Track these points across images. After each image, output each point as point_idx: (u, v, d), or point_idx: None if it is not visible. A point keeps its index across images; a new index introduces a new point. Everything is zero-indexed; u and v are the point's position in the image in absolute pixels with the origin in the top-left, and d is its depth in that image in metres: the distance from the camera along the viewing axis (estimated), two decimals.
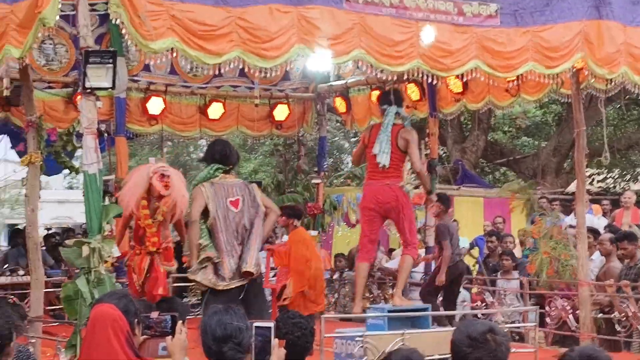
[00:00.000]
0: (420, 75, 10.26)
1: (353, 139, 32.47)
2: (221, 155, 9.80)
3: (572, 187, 24.17)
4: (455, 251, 12.86)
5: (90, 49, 8.19)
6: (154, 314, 5.41)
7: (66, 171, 13.78)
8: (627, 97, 19.34)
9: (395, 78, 10.99)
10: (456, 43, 9.91)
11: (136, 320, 5.22)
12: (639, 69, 10.99)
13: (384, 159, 10.92)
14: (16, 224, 33.79)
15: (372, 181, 11.18)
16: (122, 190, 10.90)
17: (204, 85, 15.10)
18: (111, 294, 5.39)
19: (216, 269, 9.51)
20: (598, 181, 27.42)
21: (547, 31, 10.39)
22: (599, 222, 16.93)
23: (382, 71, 10.09)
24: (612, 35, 10.64)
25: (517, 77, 11.23)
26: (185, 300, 13.26)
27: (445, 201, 13.01)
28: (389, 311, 10.61)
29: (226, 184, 9.64)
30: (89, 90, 8.21)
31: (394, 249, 16.88)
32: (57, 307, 13.31)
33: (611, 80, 11.06)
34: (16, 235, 17.97)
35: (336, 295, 15.56)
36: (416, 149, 11.08)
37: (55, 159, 10.32)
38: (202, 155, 38.01)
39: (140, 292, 11.27)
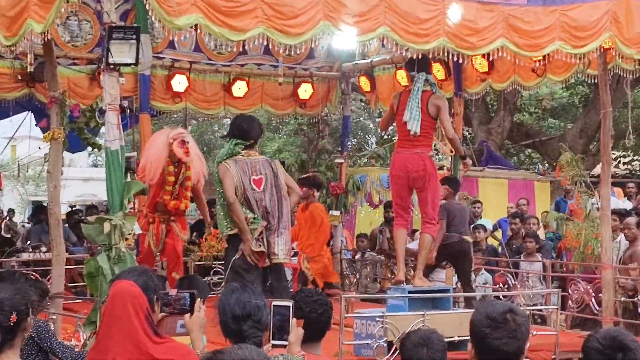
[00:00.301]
0: (446, 54, 10.16)
1: (378, 119, 32.40)
2: (239, 130, 9.71)
3: (597, 170, 24.06)
4: (457, 231, 12.78)
5: (113, 25, 8.15)
6: (173, 291, 5.38)
7: (90, 149, 13.78)
8: None
9: (421, 57, 10.85)
10: (482, 21, 9.79)
11: (155, 297, 5.19)
12: None
13: (414, 126, 10.77)
14: (40, 201, 33.99)
15: (402, 149, 11.04)
16: (143, 158, 10.89)
17: (228, 63, 15.05)
18: (130, 271, 5.37)
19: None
20: (624, 163, 27.28)
21: (574, 10, 10.26)
22: (624, 206, 16.85)
23: (407, 50, 10.01)
24: None
25: (544, 57, 11.07)
26: (206, 279, 13.25)
27: (453, 184, 13.01)
28: (410, 292, 10.58)
29: (249, 161, 9.54)
30: (112, 66, 8.17)
31: (417, 230, 16.84)
32: (79, 284, 13.37)
33: (639, 60, 10.95)
34: (39, 211, 18.06)
35: (357, 276, 15.54)
36: (447, 115, 10.97)
37: (78, 135, 10.32)
38: (226, 133, 38.26)
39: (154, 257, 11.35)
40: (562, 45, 10.21)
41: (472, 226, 16.22)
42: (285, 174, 9.93)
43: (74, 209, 24.79)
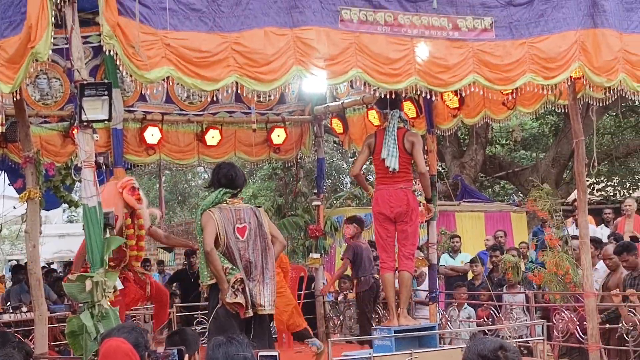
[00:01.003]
0: (418, 92, 10.22)
1: (351, 159, 32.47)
2: (227, 179, 9.62)
3: (571, 198, 24.19)
4: (368, 271, 13.67)
5: (85, 82, 8.15)
6: (161, 349, 5.36)
7: (65, 205, 13.67)
8: (624, 104, 19.35)
9: (394, 96, 10.92)
10: (453, 58, 9.86)
11: (147, 353, 5.16)
12: (637, 75, 10.94)
13: (393, 163, 11.00)
14: (17, 260, 33.77)
15: (384, 186, 11.22)
16: None
17: (200, 113, 15.00)
18: (120, 328, 5.33)
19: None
20: (598, 190, 27.44)
21: (543, 42, 10.33)
22: (602, 232, 16.93)
23: (377, 89, 10.05)
24: (608, 42, 10.59)
25: (514, 89, 11.13)
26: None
27: (360, 223, 13.79)
28: (396, 331, 10.56)
29: (234, 209, 9.46)
30: (85, 123, 8.16)
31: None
32: (62, 342, 13.23)
33: (609, 88, 11.03)
34: (17, 271, 17.89)
35: (341, 318, 15.48)
36: (421, 151, 11.27)
37: (55, 193, 10.26)
38: (200, 182, 37.75)
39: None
40: (534, 77, 10.27)
41: (469, 260, 16.38)
42: (270, 223, 9.81)
43: (50, 266, 24.61)
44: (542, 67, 10.31)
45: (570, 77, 10.76)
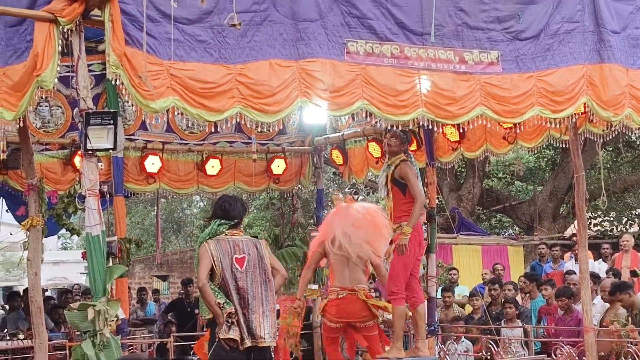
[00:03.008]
0: (424, 124, 10.16)
1: (347, 190, 32.38)
2: (222, 210, 9.55)
3: (569, 232, 24.18)
4: None
5: (91, 111, 8.16)
6: None
7: (60, 232, 13.64)
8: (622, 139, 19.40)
9: (398, 128, 10.89)
10: (460, 90, 9.80)
11: None
12: None
13: None
14: (11, 287, 33.63)
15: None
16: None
17: (200, 142, 15.05)
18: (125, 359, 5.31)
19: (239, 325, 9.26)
20: (595, 225, 27.45)
21: (550, 75, 10.29)
22: (600, 267, 16.95)
23: (379, 121, 10.05)
24: (615, 77, 10.58)
25: (515, 124, 11.10)
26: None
27: None
28: None
29: (232, 240, 9.37)
30: (90, 152, 8.15)
31: None
32: None
33: (611, 124, 11.04)
34: (13, 298, 17.78)
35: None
36: None
37: (57, 221, 10.24)
38: (195, 211, 37.61)
39: None
40: (542, 111, 10.21)
41: (469, 294, 16.32)
42: (271, 255, 9.71)
43: (45, 293, 24.47)
44: (550, 100, 10.26)
45: (576, 112, 10.77)
